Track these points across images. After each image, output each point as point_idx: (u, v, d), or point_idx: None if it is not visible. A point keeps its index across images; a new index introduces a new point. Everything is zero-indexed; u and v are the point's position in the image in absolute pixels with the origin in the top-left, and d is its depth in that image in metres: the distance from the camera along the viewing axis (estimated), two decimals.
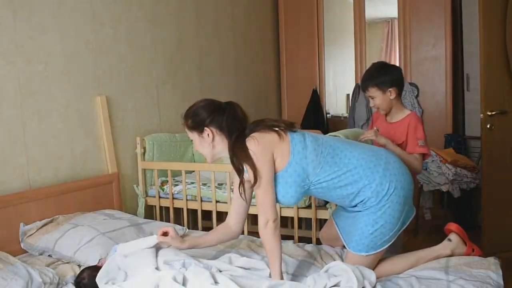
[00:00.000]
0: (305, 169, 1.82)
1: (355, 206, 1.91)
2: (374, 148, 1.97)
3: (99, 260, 2.10)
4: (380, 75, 2.30)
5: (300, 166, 1.81)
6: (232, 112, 1.85)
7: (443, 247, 2.02)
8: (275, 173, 1.82)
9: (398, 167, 1.90)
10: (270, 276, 1.83)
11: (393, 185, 1.85)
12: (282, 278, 1.80)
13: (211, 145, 1.86)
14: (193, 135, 1.89)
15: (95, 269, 1.91)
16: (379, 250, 1.90)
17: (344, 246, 2.14)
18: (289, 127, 1.88)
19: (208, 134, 1.84)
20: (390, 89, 2.29)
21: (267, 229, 1.78)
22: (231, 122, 1.83)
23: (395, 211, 1.86)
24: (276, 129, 1.84)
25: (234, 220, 1.98)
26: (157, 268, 1.86)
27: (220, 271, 1.85)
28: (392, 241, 1.92)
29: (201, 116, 1.84)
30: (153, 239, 1.93)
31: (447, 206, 3.71)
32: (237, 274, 1.82)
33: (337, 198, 1.91)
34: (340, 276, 1.73)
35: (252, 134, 1.82)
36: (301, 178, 1.82)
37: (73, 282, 1.96)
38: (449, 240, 2.04)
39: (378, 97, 2.31)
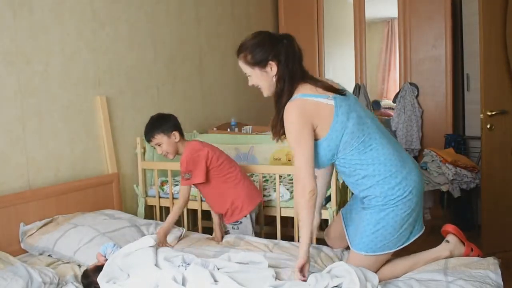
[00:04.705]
0: (338, 145, 1.82)
1: (363, 200, 1.91)
2: (404, 154, 1.93)
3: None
4: (162, 123, 2.49)
5: (334, 143, 1.82)
6: (291, 45, 1.83)
7: (442, 249, 2.01)
8: None
9: (417, 181, 1.89)
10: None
11: (404, 194, 1.84)
12: (308, 247, 1.81)
13: (273, 78, 1.85)
14: (252, 71, 1.87)
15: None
16: (378, 253, 1.89)
17: (345, 248, 2.16)
18: (340, 95, 1.84)
19: (271, 68, 1.84)
20: (173, 132, 2.48)
21: (303, 198, 1.78)
22: (291, 57, 1.82)
23: (398, 217, 1.85)
24: (325, 99, 1.80)
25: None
26: (156, 265, 1.86)
27: (218, 269, 1.85)
28: (393, 250, 1.90)
29: (262, 50, 1.83)
30: (151, 241, 1.94)
31: (447, 206, 3.71)
32: (234, 270, 1.83)
33: (351, 182, 1.91)
34: (342, 278, 1.73)
35: (296, 100, 1.80)
36: (332, 153, 1.84)
37: (80, 279, 1.96)
38: (447, 241, 2.03)
39: (164, 142, 2.47)
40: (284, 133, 1.87)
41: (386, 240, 1.87)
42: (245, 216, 2.51)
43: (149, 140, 2.51)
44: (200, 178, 2.43)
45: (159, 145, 2.48)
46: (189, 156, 2.43)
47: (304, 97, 1.80)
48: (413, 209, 1.88)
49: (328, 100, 1.80)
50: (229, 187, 2.50)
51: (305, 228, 1.81)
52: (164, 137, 2.46)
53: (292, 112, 1.78)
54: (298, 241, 2.60)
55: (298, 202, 1.81)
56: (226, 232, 2.59)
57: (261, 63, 1.84)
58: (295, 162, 1.81)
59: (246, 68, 1.89)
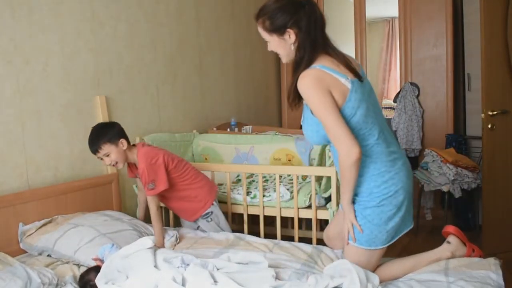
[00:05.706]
0: None
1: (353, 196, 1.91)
2: (396, 152, 1.90)
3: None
4: (107, 131, 2.37)
5: None
6: (313, 11, 1.76)
7: (443, 250, 2.00)
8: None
9: (405, 180, 1.88)
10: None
11: (390, 192, 1.84)
12: (351, 205, 1.85)
13: (291, 46, 1.79)
14: (270, 37, 1.81)
15: (99, 270, 1.91)
16: (365, 247, 1.89)
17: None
18: (359, 80, 1.78)
19: (289, 36, 1.78)
20: (121, 140, 2.38)
21: (349, 158, 1.71)
22: (313, 24, 1.75)
23: (384, 215, 1.85)
24: (344, 79, 1.74)
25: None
26: (155, 266, 1.86)
27: (218, 269, 1.84)
28: (380, 246, 1.90)
29: (282, 17, 1.75)
30: (149, 242, 1.93)
31: (448, 206, 3.70)
32: (234, 270, 1.82)
33: (339, 170, 1.87)
34: (343, 277, 1.72)
35: (314, 68, 1.74)
36: None
37: (77, 283, 1.95)
38: (448, 242, 2.02)
39: (113, 152, 2.36)
40: (297, 103, 1.83)
41: (372, 234, 1.87)
42: (213, 205, 2.58)
43: (95, 151, 2.36)
44: (164, 184, 2.39)
45: (107, 156, 2.35)
46: (147, 165, 2.36)
47: (323, 69, 1.74)
48: (399, 208, 1.87)
49: (346, 81, 1.74)
50: (189, 184, 2.54)
51: (348, 190, 1.81)
52: (112, 146, 2.34)
53: (307, 80, 1.71)
54: (298, 241, 2.61)
55: (343, 165, 1.75)
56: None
57: (279, 30, 1.77)
58: (330, 131, 1.72)
59: (264, 34, 1.83)
